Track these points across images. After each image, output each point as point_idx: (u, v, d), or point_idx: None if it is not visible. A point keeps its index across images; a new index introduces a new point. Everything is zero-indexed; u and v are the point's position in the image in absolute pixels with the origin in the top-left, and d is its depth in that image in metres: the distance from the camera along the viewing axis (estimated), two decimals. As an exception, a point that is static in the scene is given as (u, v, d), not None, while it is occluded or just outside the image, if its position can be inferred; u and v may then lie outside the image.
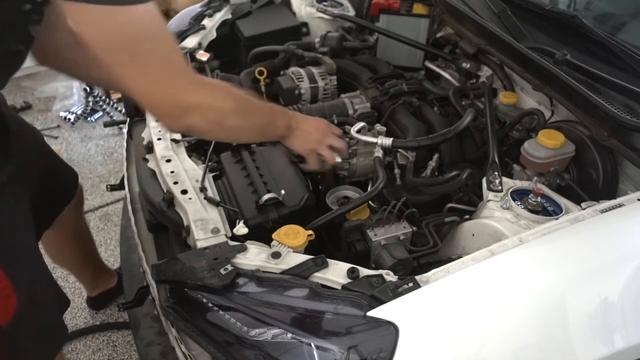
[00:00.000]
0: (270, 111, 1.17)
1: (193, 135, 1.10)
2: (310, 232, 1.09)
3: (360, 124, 1.42)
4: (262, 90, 1.73)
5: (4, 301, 1.08)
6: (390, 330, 0.84)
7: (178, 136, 1.39)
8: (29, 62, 1.10)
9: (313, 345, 0.85)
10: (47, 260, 2.22)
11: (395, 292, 0.89)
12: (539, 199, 1.14)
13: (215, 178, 1.31)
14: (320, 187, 1.45)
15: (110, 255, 2.34)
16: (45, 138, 1.60)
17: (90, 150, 3.02)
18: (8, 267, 1.07)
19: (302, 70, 1.75)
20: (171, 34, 0.90)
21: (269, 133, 1.18)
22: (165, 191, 1.22)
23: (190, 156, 1.34)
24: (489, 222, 1.13)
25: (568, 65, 1.36)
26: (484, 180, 1.23)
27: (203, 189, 1.20)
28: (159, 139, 1.37)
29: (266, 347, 0.87)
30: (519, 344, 0.88)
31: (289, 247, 1.03)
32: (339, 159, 1.30)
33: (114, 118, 3.24)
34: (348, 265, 0.96)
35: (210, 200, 1.17)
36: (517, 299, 0.90)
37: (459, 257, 0.99)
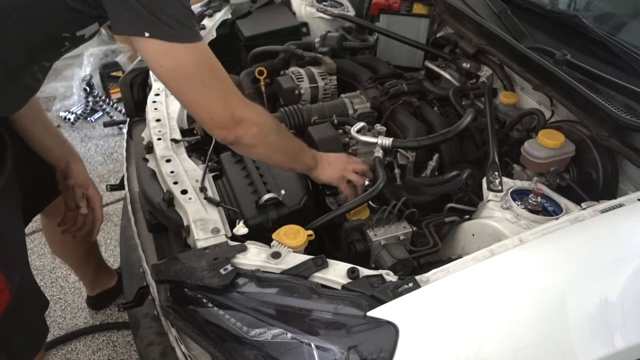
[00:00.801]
0: (300, 142, 1.29)
1: (239, 150, 1.23)
2: (310, 232, 1.09)
3: (360, 124, 1.42)
4: (262, 90, 1.73)
5: None
6: (390, 330, 0.84)
7: (178, 136, 1.39)
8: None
9: (313, 345, 0.85)
10: (49, 257, 2.24)
11: (395, 292, 0.89)
12: (539, 199, 1.14)
13: (215, 178, 1.31)
14: (320, 187, 1.45)
15: (110, 255, 2.34)
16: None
17: (90, 150, 3.02)
18: (4, 265, 1.10)
19: (302, 70, 1.75)
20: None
21: (300, 159, 1.27)
22: (165, 191, 1.22)
23: (190, 156, 1.34)
24: (489, 222, 1.13)
25: (568, 65, 1.36)
26: (484, 180, 1.23)
27: (203, 189, 1.20)
28: (159, 139, 1.37)
29: (266, 347, 0.87)
30: (519, 344, 0.88)
31: (289, 247, 1.03)
32: (367, 182, 1.34)
33: (114, 118, 3.24)
34: (348, 265, 0.96)
35: (210, 200, 1.17)
36: (517, 299, 0.90)
37: (459, 257, 0.99)
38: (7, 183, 1.15)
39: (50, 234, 1.79)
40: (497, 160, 1.28)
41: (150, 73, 1.66)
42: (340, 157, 1.36)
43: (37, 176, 1.41)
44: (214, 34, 1.87)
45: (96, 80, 3.29)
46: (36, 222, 1.78)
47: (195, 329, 0.94)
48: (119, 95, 3.20)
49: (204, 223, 1.11)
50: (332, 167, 1.32)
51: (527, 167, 1.35)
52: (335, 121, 1.54)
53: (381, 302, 0.88)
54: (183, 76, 1.02)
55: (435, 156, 1.47)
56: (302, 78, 1.73)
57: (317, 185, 1.46)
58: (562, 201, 1.15)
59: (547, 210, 1.14)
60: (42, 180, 1.45)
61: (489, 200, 1.18)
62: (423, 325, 0.87)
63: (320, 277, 0.96)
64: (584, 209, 1.07)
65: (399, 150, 1.43)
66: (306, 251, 1.06)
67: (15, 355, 1.22)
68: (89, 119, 3.24)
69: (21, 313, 1.19)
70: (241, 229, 1.12)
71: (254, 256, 1.01)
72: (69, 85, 3.34)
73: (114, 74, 3.30)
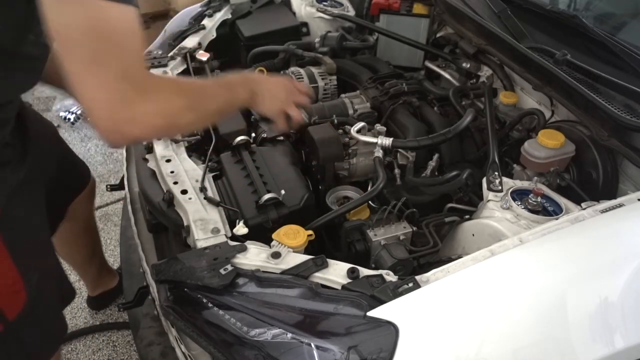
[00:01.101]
0: (228, 89, 1.09)
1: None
2: (310, 232, 1.09)
3: (360, 124, 1.42)
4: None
5: (14, 296, 1.10)
6: (390, 330, 0.84)
7: (178, 136, 1.39)
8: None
9: (313, 345, 0.85)
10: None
11: (395, 292, 0.89)
12: (539, 199, 1.14)
13: (215, 178, 1.31)
14: (320, 187, 1.45)
15: (110, 255, 2.34)
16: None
17: (90, 150, 3.02)
18: (21, 264, 1.09)
19: (302, 70, 1.75)
20: (142, 42, 0.83)
21: (230, 109, 1.12)
22: (165, 191, 1.22)
23: (190, 156, 1.34)
24: (489, 222, 1.13)
25: (568, 65, 1.36)
26: (484, 180, 1.23)
27: (203, 189, 1.20)
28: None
29: (266, 347, 0.87)
30: (519, 344, 0.88)
31: (289, 247, 1.03)
32: (306, 117, 1.25)
33: (114, 118, 3.24)
34: (348, 265, 0.96)
35: (210, 200, 1.17)
36: (517, 299, 0.90)
37: (459, 257, 0.99)
38: (28, 176, 1.13)
39: (57, 234, 1.79)
40: (497, 160, 1.28)
41: (150, 73, 1.65)
42: (282, 85, 1.22)
43: (59, 175, 1.40)
44: (214, 34, 1.87)
45: (96, 80, 3.28)
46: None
47: (195, 329, 0.94)
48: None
49: (204, 223, 1.11)
50: (273, 99, 1.18)
51: (527, 167, 1.35)
52: (335, 121, 1.54)
53: (381, 302, 0.88)
54: (71, 40, 0.77)
55: (435, 156, 1.47)
56: (302, 78, 1.73)
57: (317, 185, 1.46)
58: (562, 201, 1.15)
59: (547, 210, 1.14)
60: (64, 178, 1.44)
61: (489, 200, 1.18)
62: (423, 325, 0.87)
63: (320, 277, 0.96)
64: (584, 209, 1.07)
65: (399, 150, 1.43)
66: (306, 251, 1.06)
67: (31, 356, 1.20)
68: (89, 119, 3.24)
69: (38, 313, 1.17)
70: (241, 229, 1.12)
71: (254, 256, 1.01)
72: (69, 85, 3.34)
73: (114, 74, 3.29)
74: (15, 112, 1.10)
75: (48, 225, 1.29)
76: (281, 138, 1.44)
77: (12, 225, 1.08)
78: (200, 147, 1.42)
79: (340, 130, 1.50)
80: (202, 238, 1.07)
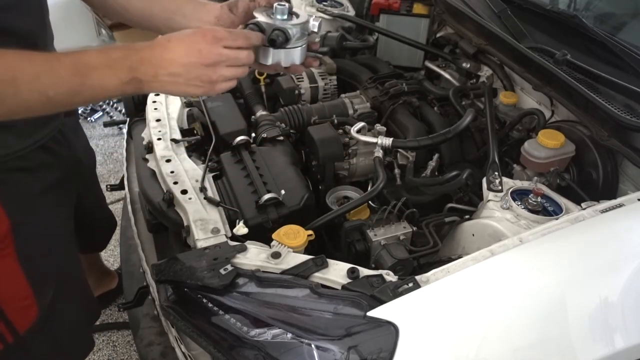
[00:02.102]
0: (75, 71, 0.76)
1: None
2: (310, 232, 1.09)
3: (360, 124, 1.42)
4: (262, 90, 1.74)
5: (24, 311, 1.08)
6: (390, 330, 0.84)
7: (178, 136, 1.39)
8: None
9: (313, 345, 0.85)
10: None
11: (395, 292, 0.89)
12: (539, 199, 1.14)
13: (215, 178, 1.31)
14: (320, 187, 1.45)
15: (110, 255, 2.34)
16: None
17: (90, 150, 3.02)
18: (34, 278, 1.07)
19: (302, 70, 1.75)
20: None
21: (81, 99, 0.79)
22: (165, 191, 1.22)
23: (190, 156, 1.34)
24: (489, 222, 1.13)
25: (568, 65, 1.36)
26: (484, 180, 1.23)
27: (203, 189, 1.20)
28: (159, 139, 1.37)
29: (266, 347, 0.87)
30: (519, 344, 0.88)
31: (289, 247, 1.03)
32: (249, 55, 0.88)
33: (114, 118, 3.24)
34: (348, 265, 0.96)
35: (210, 200, 1.17)
36: (517, 299, 0.90)
37: (459, 257, 0.99)
38: (56, 181, 1.11)
39: None
40: (497, 160, 1.28)
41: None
42: (195, 54, 0.81)
43: (102, 205, 1.41)
44: (214, 34, 1.87)
45: (96, 80, 3.29)
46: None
47: (195, 329, 0.94)
48: (118, 95, 3.20)
49: (204, 223, 1.11)
50: (181, 81, 0.81)
51: (527, 167, 1.35)
52: (335, 121, 1.54)
53: (381, 302, 0.88)
54: None
55: (435, 156, 1.47)
56: (302, 78, 1.73)
57: (317, 185, 1.46)
58: (562, 201, 1.15)
59: (547, 210, 1.14)
60: (104, 211, 1.43)
61: (489, 200, 1.18)
62: (423, 325, 0.87)
63: (320, 277, 0.96)
64: (584, 209, 1.07)
65: (399, 150, 1.43)
66: (306, 251, 1.06)
67: None
68: (89, 119, 3.24)
69: (53, 329, 1.15)
70: (241, 229, 1.12)
71: (254, 256, 1.01)
72: (69, 85, 3.34)
73: (114, 74, 3.29)
74: (57, 113, 1.07)
75: (76, 243, 1.27)
76: (281, 138, 1.44)
77: (27, 237, 1.05)
78: (200, 147, 1.43)
79: (340, 130, 1.50)
80: (202, 238, 1.07)
